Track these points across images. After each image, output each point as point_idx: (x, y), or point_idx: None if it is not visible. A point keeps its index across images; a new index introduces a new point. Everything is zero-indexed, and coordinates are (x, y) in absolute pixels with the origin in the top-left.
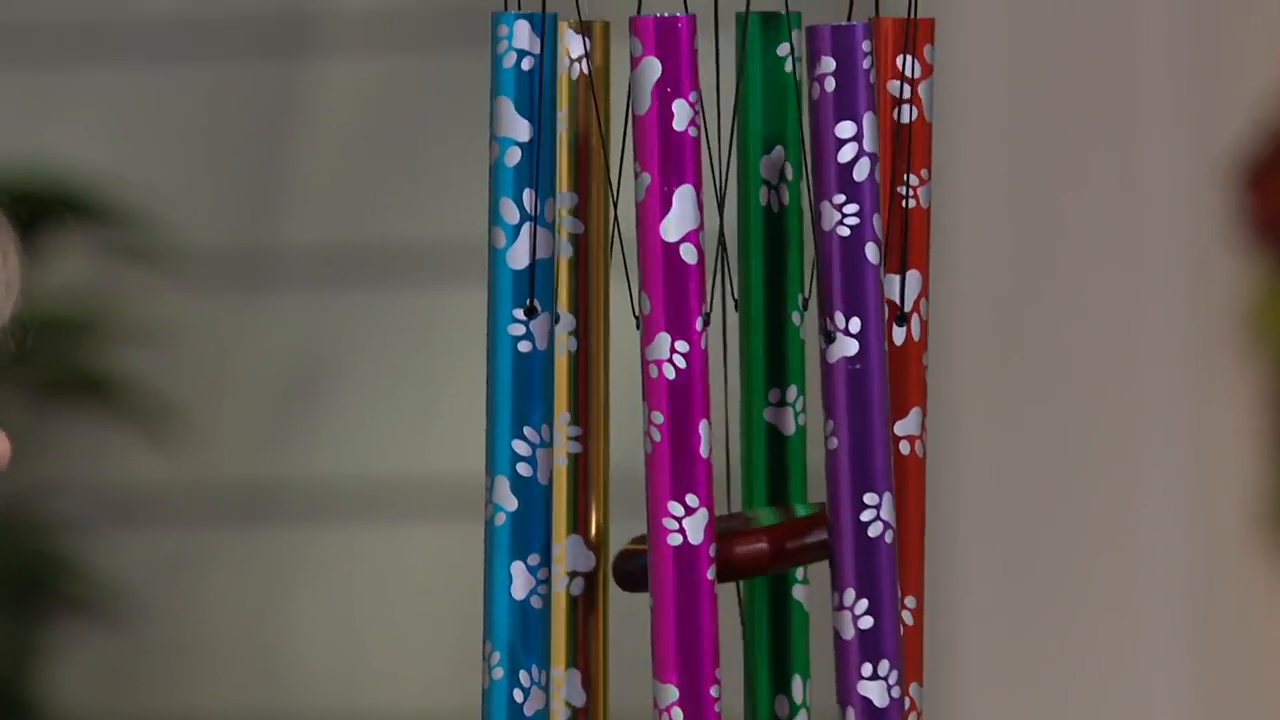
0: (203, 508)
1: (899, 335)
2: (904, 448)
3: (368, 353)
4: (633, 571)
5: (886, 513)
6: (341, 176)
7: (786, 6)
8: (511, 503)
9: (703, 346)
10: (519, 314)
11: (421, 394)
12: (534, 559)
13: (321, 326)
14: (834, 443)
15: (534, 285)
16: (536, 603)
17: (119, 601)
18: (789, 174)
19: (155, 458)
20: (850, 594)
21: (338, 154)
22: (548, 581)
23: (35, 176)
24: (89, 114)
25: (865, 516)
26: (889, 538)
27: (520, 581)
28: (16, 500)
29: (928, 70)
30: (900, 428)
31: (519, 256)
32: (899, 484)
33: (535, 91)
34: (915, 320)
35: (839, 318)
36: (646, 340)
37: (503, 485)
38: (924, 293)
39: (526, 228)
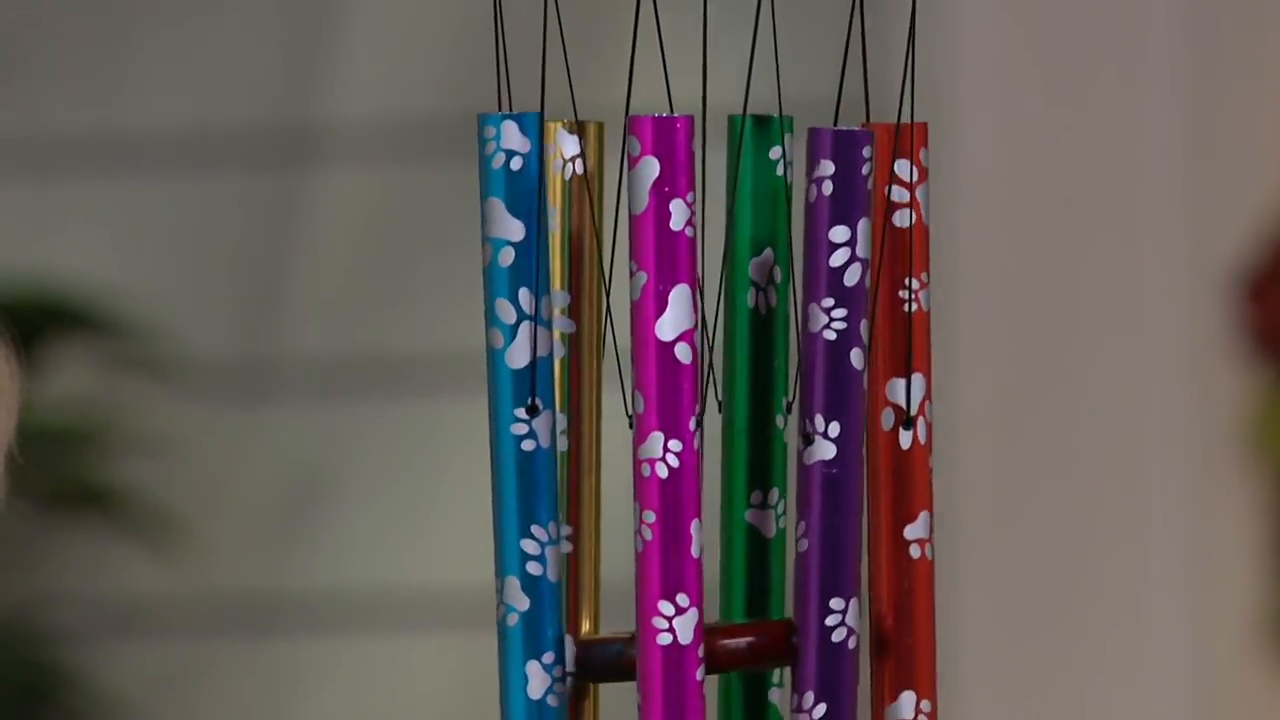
0: (203, 619)
1: (905, 439)
2: (914, 551)
3: (369, 463)
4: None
5: (852, 619)
6: (342, 287)
7: (780, 109)
8: (523, 602)
9: (695, 447)
10: (520, 413)
11: (423, 504)
12: (548, 657)
13: (322, 437)
14: (804, 544)
15: (535, 384)
16: (553, 701)
17: (118, 714)
18: (777, 277)
19: (155, 569)
20: (809, 697)
21: (337, 265)
22: (564, 679)
23: (36, 288)
24: (90, 226)
25: (830, 621)
26: (853, 644)
27: (536, 681)
28: (15, 611)
29: (924, 174)
30: (910, 531)
31: (518, 356)
32: (910, 588)
33: (526, 190)
34: (920, 423)
35: (819, 421)
36: (639, 439)
37: (513, 585)
38: (928, 396)
39: (525, 326)
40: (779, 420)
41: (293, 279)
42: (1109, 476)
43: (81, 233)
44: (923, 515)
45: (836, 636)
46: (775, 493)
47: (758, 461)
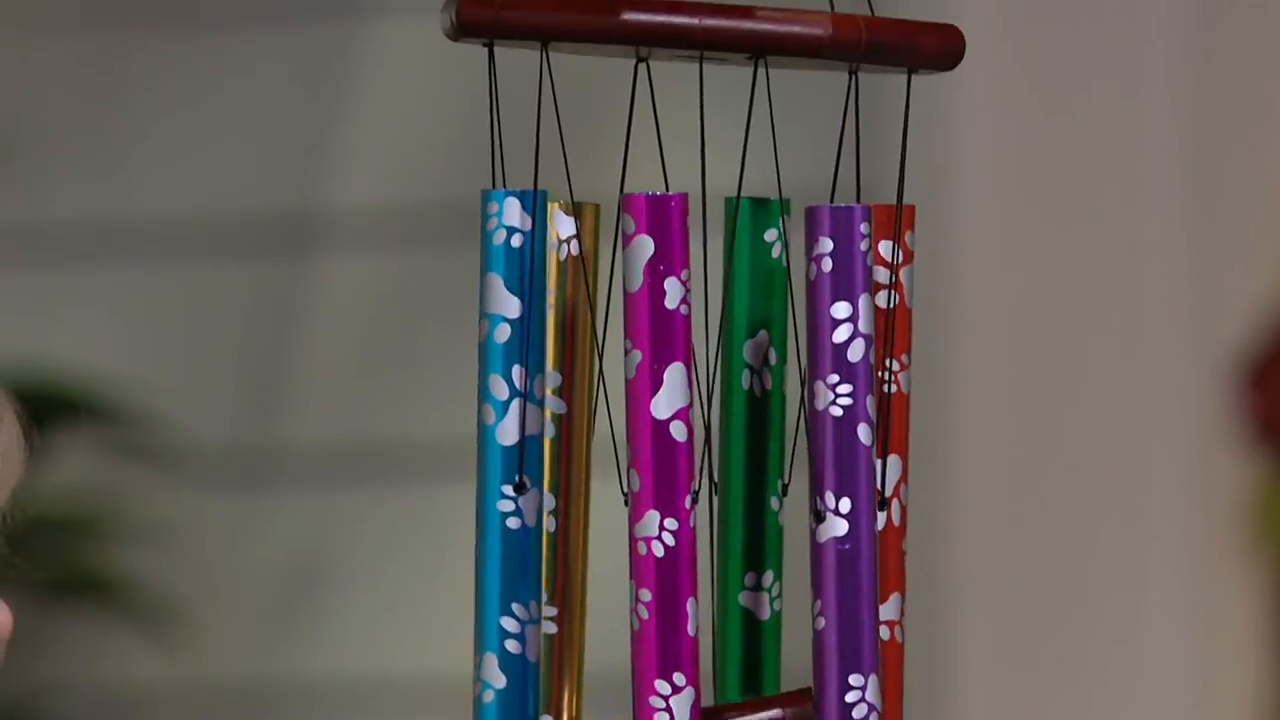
0: (202, 706)
1: (879, 520)
2: (884, 632)
3: (368, 551)
4: None
5: (872, 695)
6: (340, 374)
7: (780, 192)
8: (500, 680)
9: (691, 525)
10: (508, 490)
11: (421, 591)
12: None
13: (321, 525)
14: (821, 623)
15: (523, 462)
16: None
17: None
18: (772, 359)
19: (154, 657)
20: None
21: (336, 352)
22: None
23: (37, 376)
24: (90, 313)
25: (850, 698)
26: None
27: None
28: (16, 700)
29: (909, 256)
30: (882, 612)
31: (508, 432)
32: (881, 670)
33: (525, 267)
34: (895, 505)
35: (829, 498)
36: (635, 517)
37: (491, 662)
38: (904, 478)
39: (516, 403)
40: (774, 502)
41: (292, 366)
42: (1109, 562)
43: (82, 320)
44: (894, 597)
45: (858, 713)
46: (770, 575)
47: (753, 544)
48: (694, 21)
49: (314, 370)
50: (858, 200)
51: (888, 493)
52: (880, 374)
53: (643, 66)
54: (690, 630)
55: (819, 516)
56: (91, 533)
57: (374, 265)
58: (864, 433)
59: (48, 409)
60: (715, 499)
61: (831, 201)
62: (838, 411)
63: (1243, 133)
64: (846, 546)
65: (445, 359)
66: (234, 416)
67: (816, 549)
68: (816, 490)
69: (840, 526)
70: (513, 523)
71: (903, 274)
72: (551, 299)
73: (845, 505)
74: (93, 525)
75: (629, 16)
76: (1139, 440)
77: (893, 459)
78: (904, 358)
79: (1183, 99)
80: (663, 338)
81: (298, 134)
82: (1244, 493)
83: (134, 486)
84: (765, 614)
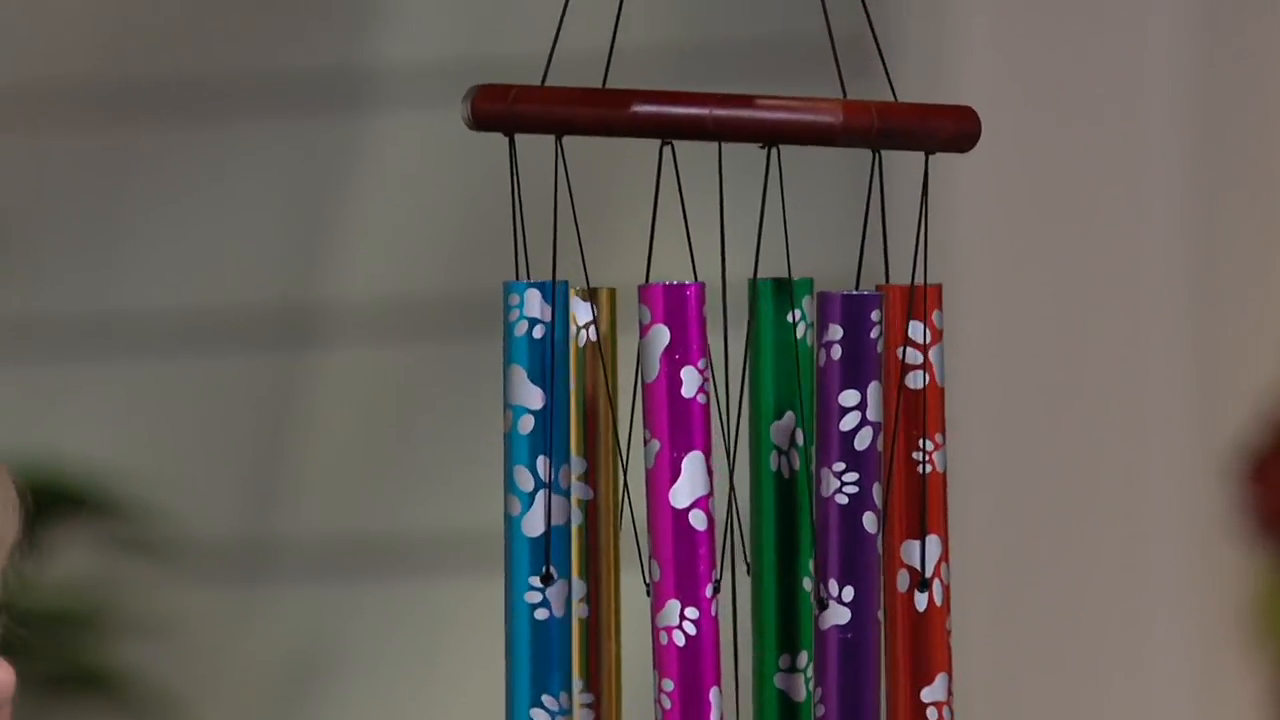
0: None
1: (921, 601)
2: (931, 715)
3: (368, 645)
4: None
5: None
6: (341, 468)
7: (790, 272)
8: None
9: (713, 613)
10: (535, 581)
11: (423, 685)
12: None
13: (321, 618)
14: (821, 710)
15: (549, 552)
16: None
17: None
18: (799, 440)
19: None
20: None
21: (337, 445)
22: None
23: (37, 470)
24: (90, 407)
25: None
26: None
27: None
28: None
29: (937, 335)
30: (927, 694)
31: (534, 524)
32: None
33: (547, 358)
34: (937, 585)
35: (833, 585)
36: (656, 607)
37: None
38: (944, 557)
39: (542, 494)
40: (806, 583)
41: (292, 459)
42: (1111, 654)
43: (82, 413)
44: (940, 678)
45: None
46: (804, 655)
47: (786, 625)
48: (705, 112)
49: (315, 463)
50: (886, 278)
51: (928, 573)
52: (915, 455)
53: (667, 150)
54: (714, 719)
55: (822, 603)
56: (91, 626)
57: (374, 358)
58: (870, 521)
59: (47, 503)
60: (733, 580)
61: (858, 283)
62: (843, 499)
63: (1244, 229)
64: (849, 635)
65: (445, 453)
66: (234, 509)
67: (819, 636)
68: (820, 577)
69: (843, 614)
70: (541, 614)
71: (932, 354)
72: (573, 384)
73: (849, 593)
74: (92, 619)
75: (639, 109)
76: (1141, 532)
77: (932, 539)
78: (938, 437)
79: (1185, 199)
80: (680, 427)
81: (298, 226)
82: (1246, 586)
83: (134, 580)
84: (800, 695)
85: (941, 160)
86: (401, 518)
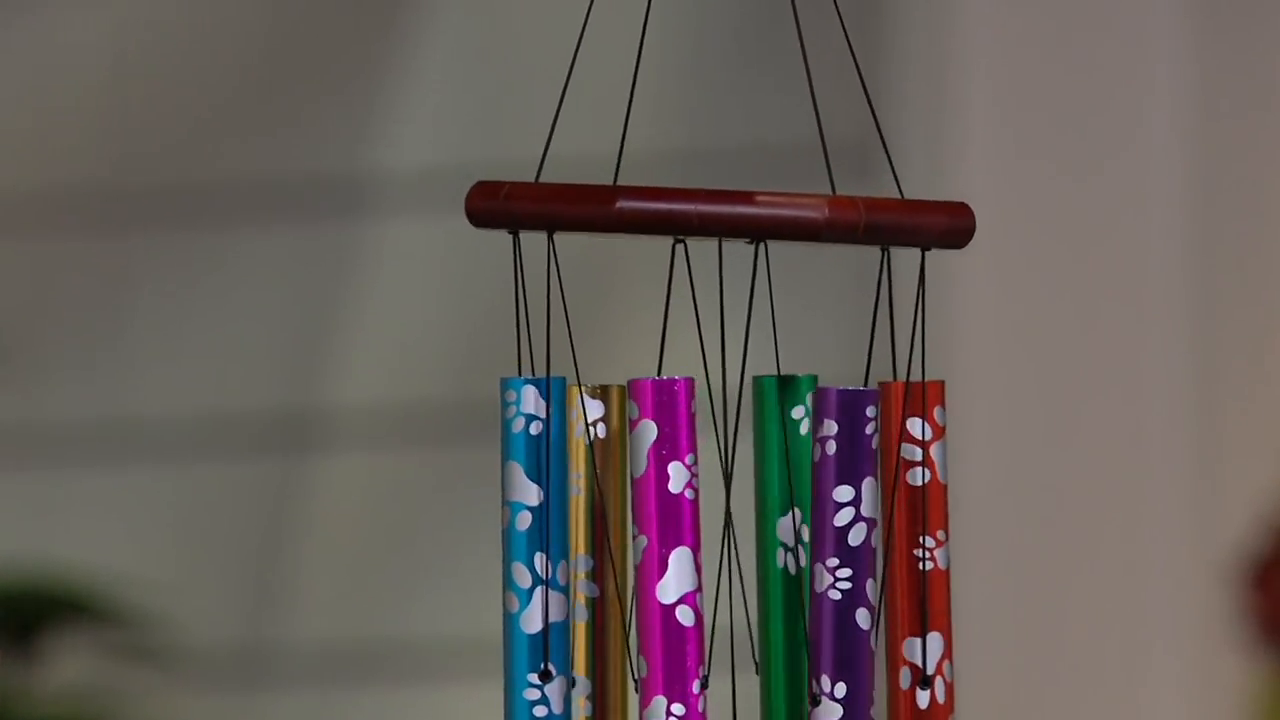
0: None
1: (923, 699)
2: None
3: None
4: None
5: None
6: (343, 573)
7: (779, 366)
8: None
9: (700, 710)
10: (534, 679)
11: None
12: None
13: None
14: None
15: (548, 650)
16: None
17: None
18: (805, 537)
19: None
20: None
21: (339, 551)
22: None
23: (36, 577)
24: (90, 514)
25: None
26: None
27: None
28: None
29: (939, 432)
30: None
31: (532, 621)
32: None
33: (544, 455)
34: (939, 683)
35: (825, 681)
36: (644, 703)
37: None
38: (947, 655)
39: (540, 591)
40: (813, 682)
41: (292, 565)
42: None
43: (82, 520)
44: None
45: None
46: None
47: None
48: (690, 208)
49: (315, 569)
50: (894, 377)
51: (929, 670)
52: (917, 552)
53: (679, 248)
54: None
55: (815, 700)
56: None
57: (375, 463)
58: (863, 618)
59: (47, 610)
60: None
61: (866, 379)
62: (836, 595)
63: (1246, 329)
64: None
65: (447, 558)
66: (235, 615)
67: None
68: (813, 673)
69: (835, 712)
70: (539, 711)
71: (933, 450)
72: (582, 482)
73: (841, 690)
74: None
75: (625, 204)
76: (1141, 638)
77: (933, 636)
78: (940, 534)
79: (1187, 302)
80: (668, 522)
81: (300, 331)
82: (1247, 692)
83: (134, 687)
84: None
85: (946, 255)
86: (402, 623)
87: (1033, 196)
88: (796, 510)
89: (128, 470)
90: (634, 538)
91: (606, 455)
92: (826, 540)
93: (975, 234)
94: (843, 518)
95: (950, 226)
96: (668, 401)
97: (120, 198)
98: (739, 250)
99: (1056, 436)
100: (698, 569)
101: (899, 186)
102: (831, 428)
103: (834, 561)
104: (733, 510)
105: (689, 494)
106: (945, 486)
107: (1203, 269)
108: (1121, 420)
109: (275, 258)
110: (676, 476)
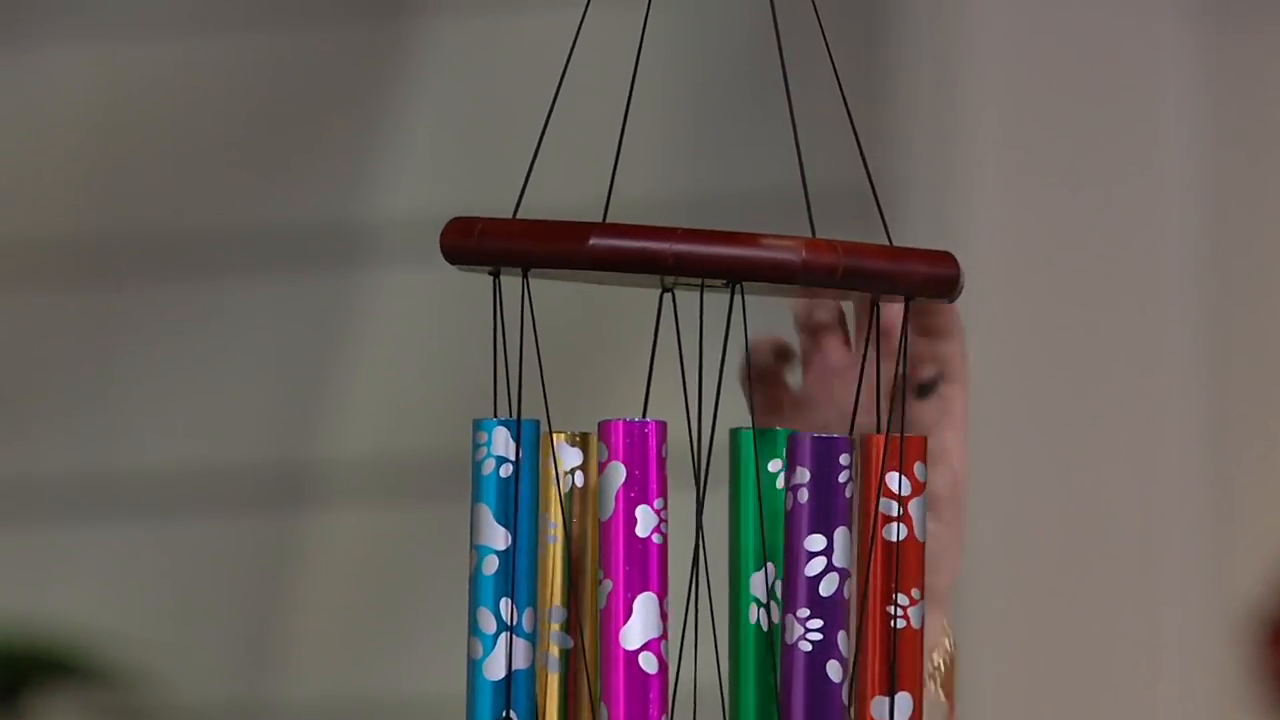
0: None
1: None
2: None
3: None
4: None
5: None
6: (334, 631)
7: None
8: None
9: None
10: None
11: None
12: None
13: None
14: None
15: (510, 697)
16: None
17: None
18: (779, 592)
19: None
20: None
21: (330, 608)
22: None
23: (26, 635)
24: (80, 571)
25: None
26: None
27: None
28: None
29: (918, 488)
30: None
31: (496, 667)
32: None
33: (514, 498)
34: None
35: None
36: None
37: None
38: (916, 715)
39: (504, 637)
40: None
41: (283, 623)
42: None
43: (70, 578)
44: None
45: None
46: None
47: None
48: (665, 246)
49: (306, 626)
50: (886, 431)
51: None
52: (890, 609)
53: (668, 297)
54: None
55: None
56: None
57: (368, 519)
58: (834, 670)
59: (34, 669)
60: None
61: (851, 429)
62: (807, 646)
63: (1265, 376)
64: None
65: (440, 614)
66: (224, 674)
67: None
68: None
69: None
70: None
71: (911, 506)
72: (558, 531)
73: None
74: None
75: (598, 242)
76: (1156, 698)
77: (902, 696)
78: (914, 592)
79: (1201, 370)
80: (634, 566)
81: (291, 384)
82: None
83: None
84: None
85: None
86: (396, 680)
87: (1041, 235)
88: (770, 565)
89: (115, 526)
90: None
91: (585, 505)
92: (798, 590)
93: (979, 279)
94: (814, 567)
95: (932, 275)
96: (638, 444)
97: (107, 247)
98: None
99: (1065, 487)
100: (663, 616)
101: (887, 232)
102: (804, 475)
103: (805, 612)
104: (707, 561)
105: (656, 538)
106: (923, 544)
107: (1218, 312)
108: (1133, 475)
109: (266, 308)
110: (644, 520)
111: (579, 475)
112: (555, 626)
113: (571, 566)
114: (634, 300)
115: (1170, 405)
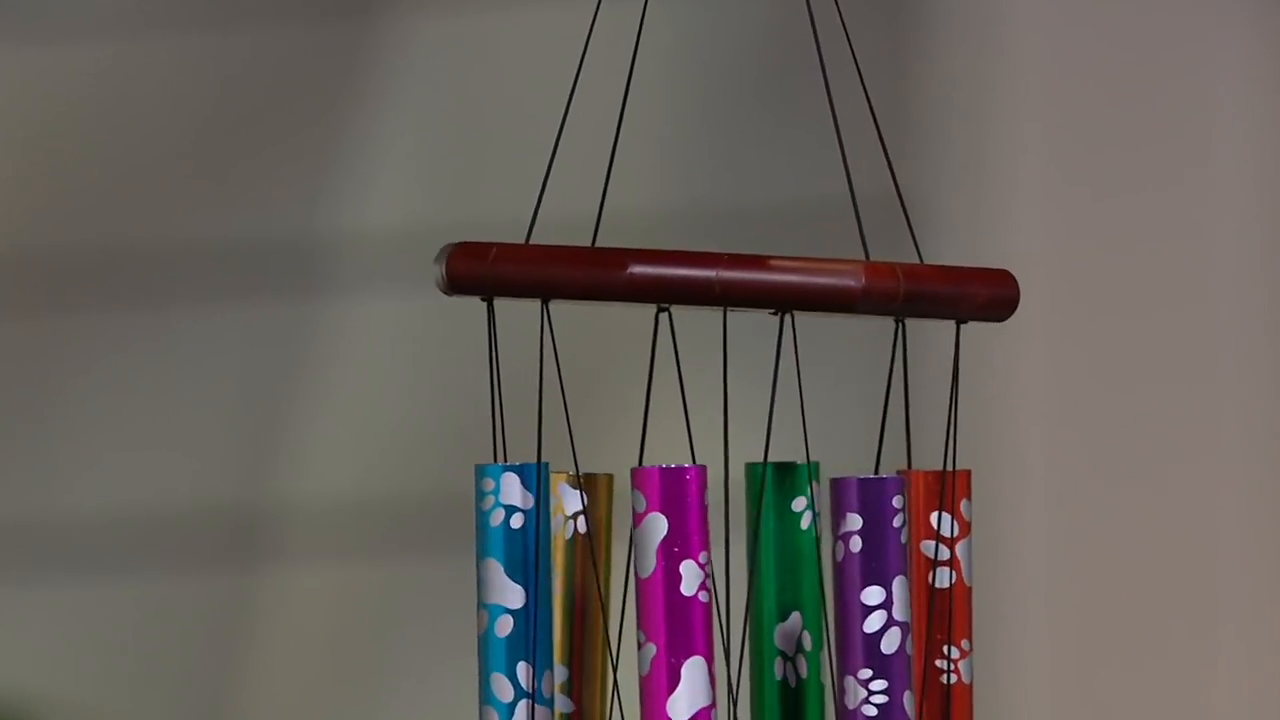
0: None
1: None
2: None
3: None
4: None
5: None
6: (300, 696)
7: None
8: None
9: None
10: None
11: None
12: None
13: None
14: None
15: None
16: None
17: None
18: (807, 644)
19: None
20: None
21: (295, 671)
22: None
23: None
24: (18, 628)
25: None
26: None
27: None
28: None
29: (965, 528)
30: None
31: None
32: None
33: (528, 551)
34: None
35: None
36: None
37: None
38: None
39: (523, 706)
40: None
41: (244, 685)
42: None
43: (8, 636)
44: None
45: None
46: None
47: None
48: (711, 274)
49: (271, 689)
50: (908, 462)
51: None
52: (939, 663)
53: (664, 317)
54: None
55: None
56: None
57: (337, 570)
58: None
59: None
60: None
61: (876, 467)
62: (871, 710)
63: None
64: None
65: (420, 676)
66: None
67: None
68: None
69: None
70: None
71: (959, 549)
72: (558, 584)
73: None
74: None
75: (637, 270)
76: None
77: None
78: (964, 643)
79: (1268, 381)
80: (679, 629)
81: (251, 421)
82: None
83: None
84: None
85: (975, 330)
86: None
87: (1086, 259)
88: (797, 614)
89: (56, 580)
90: (640, 646)
91: (586, 553)
92: (855, 649)
93: (1019, 305)
94: (873, 623)
95: (993, 297)
96: (677, 492)
97: (41, 269)
98: (737, 318)
99: (1121, 509)
100: (712, 681)
101: (916, 246)
102: (856, 522)
103: (866, 673)
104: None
105: (703, 596)
106: (971, 590)
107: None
108: (1188, 534)
109: (220, 336)
110: (689, 576)
111: (581, 521)
112: (556, 688)
113: (576, 623)
114: (622, 319)
115: (1230, 420)
